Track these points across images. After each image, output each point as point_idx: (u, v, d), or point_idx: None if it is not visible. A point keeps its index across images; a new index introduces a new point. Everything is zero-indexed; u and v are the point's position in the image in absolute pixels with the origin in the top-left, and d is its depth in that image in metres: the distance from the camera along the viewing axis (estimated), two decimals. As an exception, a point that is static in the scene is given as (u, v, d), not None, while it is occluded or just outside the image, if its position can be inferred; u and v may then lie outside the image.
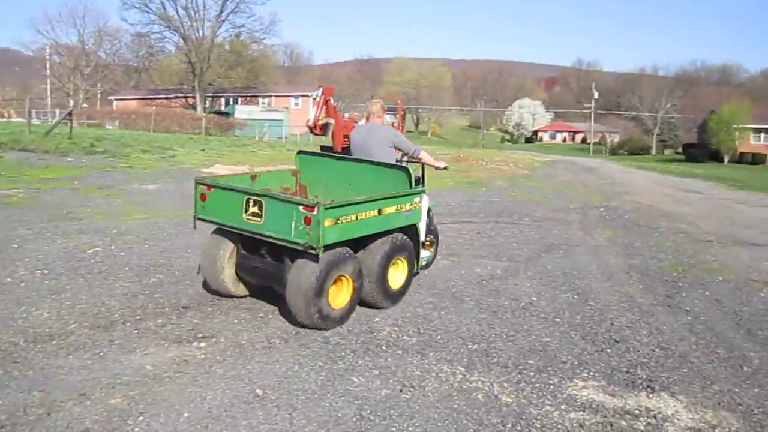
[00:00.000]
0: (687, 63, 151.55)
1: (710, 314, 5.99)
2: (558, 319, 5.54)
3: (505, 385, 4.10)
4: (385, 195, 5.38)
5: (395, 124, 28.06)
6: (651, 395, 4.08)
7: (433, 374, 4.20)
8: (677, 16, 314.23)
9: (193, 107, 59.07)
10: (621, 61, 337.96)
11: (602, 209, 13.72)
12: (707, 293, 6.78)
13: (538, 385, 4.13)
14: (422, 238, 6.10)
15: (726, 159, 57.76)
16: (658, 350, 4.92)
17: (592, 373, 4.38)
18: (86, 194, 11.16)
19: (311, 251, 4.65)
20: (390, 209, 5.36)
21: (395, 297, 5.68)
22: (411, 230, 5.82)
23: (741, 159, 57.67)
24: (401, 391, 3.92)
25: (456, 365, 4.37)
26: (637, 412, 3.83)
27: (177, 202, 11.06)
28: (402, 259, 5.68)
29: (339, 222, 4.79)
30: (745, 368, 4.63)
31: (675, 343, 5.09)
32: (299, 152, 6.85)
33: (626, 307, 6.08)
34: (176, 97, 64.75)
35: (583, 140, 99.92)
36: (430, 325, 5.16)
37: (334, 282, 4.97)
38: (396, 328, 5.03)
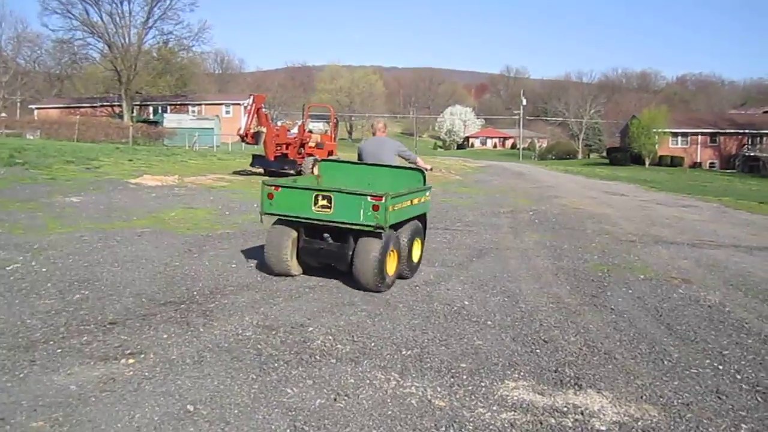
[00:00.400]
0: (609, 70, 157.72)
1: (633, 311, 6.24)
2: (489, 322, 5.66)
3: (439, 389, 4.15)
4: (417, 189, 7.10)
5: (328, 132, 28.14)
6: (578, 392, 4.21)
7: (368, 381, 4.21)
8: (599, 24, 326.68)
9: (120, 116, 57.30)
10: (547, 68, 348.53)
11: (531, 213, 14.11)
12: (630, 291, 7.06)
13: (470, 387, 4.20)
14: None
15: (647, 162, 60.45)
16: (584, 348, 5.08)
17: (522, 374, 4.49)
18: (5, 208, 10.66)
19: (380, 230, 6.17)
20: (416, 200, 7.01)
21: (415, 268, 7.30)
22: (422, 217, 7.50)
23: (661, 162, 60.53)
24: (335, 399, 3.91)
25: (390, 372, 4.40)
26: (565, 409, 3.95)
27: (103, 214, 10.71)
28: (418, 239, 7.32)
29: (395, 208, 6.31)
30: (665, 362, 4.84)
31: (601, 341, 5.28)
32: (322, 160, 8.68)
33: (554, 307, 6.26)
34: (102, 106, 62.73)
35: (513, 145, 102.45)
36: (364, 333, 5.17)
37: (389, 254, 6.36)
38: (330, 337, 5.02)
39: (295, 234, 6.77)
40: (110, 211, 11.15)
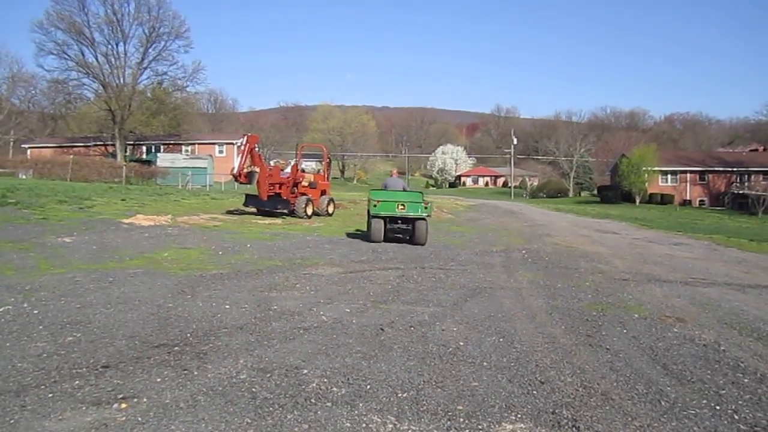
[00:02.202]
0: (598, 109, 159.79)
1: (629, 351, 6.22)
2: (485, 363, 5.62)
3: (436, 432, 4.11)
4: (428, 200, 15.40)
5: (321, 171, 28.40)
6: (576, 435, 4.17)
7: (364, 425, 4.16)
8: (588, 64, 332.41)
9: (113, 155, 57.55)
10: (537, 108, 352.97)
11: (524, 251, 14.13)
12: (625, 331, 7.04)
13: (467, 430, 4.15)
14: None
15: (637, 200, 60.94)
16: (581, 389, 5.05)
17: (519, 416, 4.45)
18: (-4, 249, 10.60)
19: (427, 217, 14.61)
20: (427, 204, 14.75)
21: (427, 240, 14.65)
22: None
23: (651, 199, 61.07)
24: (332, 444, 3.86)
25: (386, 415, 4.35)
26: (563, 452, 3.91)
27: (95, 254, 10.67)
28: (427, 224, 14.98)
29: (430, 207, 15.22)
30: (662, 402, 4.81)
31: (597, 382, 5.24)
32: (372, 190, 16.02)
33: (550, 347, 6.23)
34: (95, 145, 63.03)
35: (505, 184, 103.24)
36: (360, 375, 5.13)
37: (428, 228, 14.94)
38: (325, 380, 4.97)
39: (383, 222, 14.53)
40: (103, 251, 11.11)
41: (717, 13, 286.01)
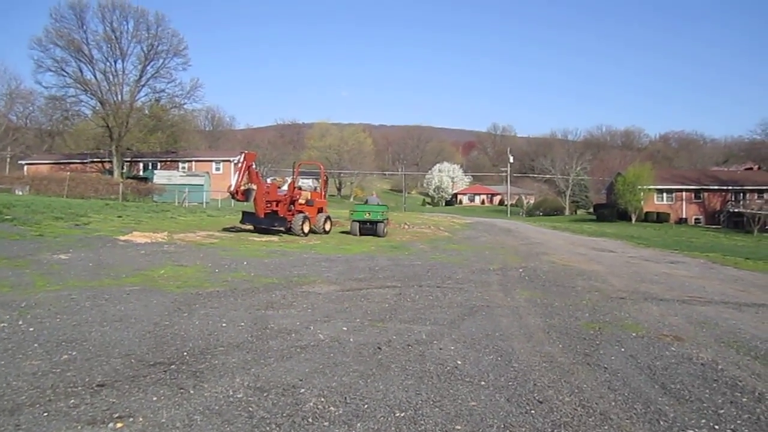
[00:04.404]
0: (593, 128, 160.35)
1: (627, 370, 6.20)
2: (483, 382, 5.60)
3: (434, 452, 4.08)
4: (386, 209, 25.44)
5: (318, 189, 28.55)
6: (575, 455, 4.14)
7: (361, 445, 4.13)
8: (584, 83, 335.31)
9: (110, 172, 57.56)
10: (533, 127, 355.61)
11: (521, 270, 14.12)
12: (623, 349, 7.02)
13: (465, 450, 4.13)
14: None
15: (633, 218, 61.14)
16: (579, 409, 5.02)
17: (517, 436, 4.42)
18: (-9, 266, 10.55)
19: (386, 220, 24.34)
20: (387, 212, 25.40)
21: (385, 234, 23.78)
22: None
23: (647, 218, 61.32)
24: (329, 464, 3.83)
25: (384, 434, 4.32)
26: (562, 473, 3.88)
27: (91, 272, 10.63)
28: (388, 224, 25.06)
29: (388, 214, 25.86)
30: (661, 422, 4.78)
31: (595, 401, 5.22)
32: (355, 204, 31.14)
33: (548, 366, 6.21)
34: (92, 162, 63.05)
35: (501, 202, 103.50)
36: (357, 394, 5.10)
37: (386, 226, 24.69)
38: (322, 399, 4.94)
39: (358, 224, 23.42)
40: (99, 268, 11.08)
41: (712, 33, 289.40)
